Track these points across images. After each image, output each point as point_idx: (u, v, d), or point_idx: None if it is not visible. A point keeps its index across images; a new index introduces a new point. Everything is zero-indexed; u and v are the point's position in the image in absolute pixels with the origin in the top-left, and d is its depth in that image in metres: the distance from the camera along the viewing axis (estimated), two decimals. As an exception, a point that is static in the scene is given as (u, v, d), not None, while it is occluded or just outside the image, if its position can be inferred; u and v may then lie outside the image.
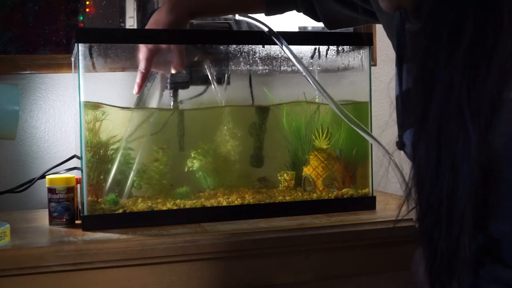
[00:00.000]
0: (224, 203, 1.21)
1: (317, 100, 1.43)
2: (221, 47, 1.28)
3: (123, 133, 1.21)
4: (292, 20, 1.57)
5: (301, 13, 1.23)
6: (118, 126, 1.21)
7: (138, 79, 1.20)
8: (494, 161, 0.59)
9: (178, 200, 1.20)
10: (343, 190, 1.30)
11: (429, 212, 0.61)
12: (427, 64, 0.60)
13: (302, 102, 1.36)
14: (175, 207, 1.18)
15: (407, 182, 0.63)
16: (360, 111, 1.31)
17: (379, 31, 1.62)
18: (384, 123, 0.64)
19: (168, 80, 1.28)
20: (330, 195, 1.29)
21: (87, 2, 1.55)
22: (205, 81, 1.32)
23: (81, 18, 1.55)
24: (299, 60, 1.13)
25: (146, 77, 1.20)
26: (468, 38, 0.57)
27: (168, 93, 1.29)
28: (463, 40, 0.57)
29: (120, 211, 1.15)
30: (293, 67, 1.36)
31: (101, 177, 1.18)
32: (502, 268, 0.62)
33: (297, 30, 1.65)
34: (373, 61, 1.68)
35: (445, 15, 0.59)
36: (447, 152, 0.58)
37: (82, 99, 1.13)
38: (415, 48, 0.62)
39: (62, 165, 1.30)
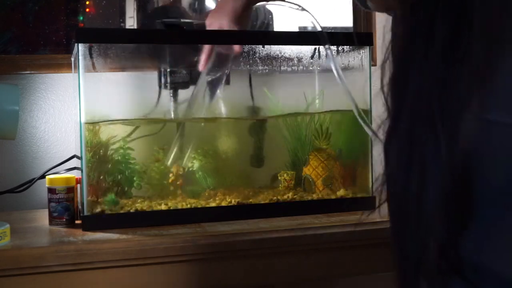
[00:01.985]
0: (224, 203, 1.22)
1: (317, 101, 1.43)
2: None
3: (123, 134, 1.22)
4: (292, 20, 1.57)
5: None
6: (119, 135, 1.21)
7: (203, 55, 1.21)
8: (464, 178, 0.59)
9: (180, 198, 1.21)
10: (342, 192, 1.30)
11: (399, 212, 0.61)
12: (402, 65, 0.60)
13: (300, 113, 1.36)
14: (183, 207, 1.18)
15: (380, 180, 0.64)
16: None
17: (379, 31, 1.62)
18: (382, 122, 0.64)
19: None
20: (330, 195, 1.29)
21: (87, 2, 1.55)
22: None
23: (81, 18, 1.55)
24: (337, 66, 1.14)
25: (210, 54, 1.22)
26: (440, 42, 0.57)
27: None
28: (435, 43, 0.57)
29: (120, 211, 1.15)
30: (293, 67, 1.37)
31: (101, 177, 1.18)
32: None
33: (297, 30, 1.65)
34: (373, 61, 1.67)
35: (418, 18, 0.59)
36: (417, 153, 0.58)
37: (83, 109, 1.13)
38: (393, 49, 0.62)
39: (62, 165, 1.31)
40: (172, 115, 1.31)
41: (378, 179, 0.64)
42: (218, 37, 1.25)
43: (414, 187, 0.59)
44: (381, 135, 0.64)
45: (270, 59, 1.32)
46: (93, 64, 1.19)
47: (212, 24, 1.22)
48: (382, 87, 0.63)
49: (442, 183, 0.57)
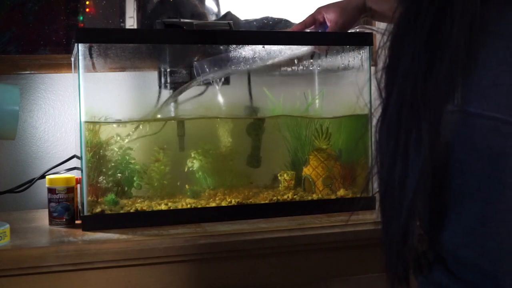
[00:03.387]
0: (224, 203, 1.22)
1: (317, 101, 1.43)
2: (221, 47, 1.28)
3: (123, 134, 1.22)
4: (292, 20, 1.57)
5: None
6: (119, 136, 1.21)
7: (295, 26, 1.28)
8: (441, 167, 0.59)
9: (180, 197, 1.21)
10: (342, 192, 1.30)
11: (385, 196, 0.62)
12: (394, 51, 0.61)
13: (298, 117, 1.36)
14: (186, 206, 1.18)
15: (371, 162, 0.66)
16: (359, 122, 1.32)
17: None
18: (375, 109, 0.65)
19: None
20: (330, 195, 1.29)
21: (87, 2, 1.55)
22: (205, 81, 1.32)
23: (81, 18, 1.55)
24: None
25: (301, 29, 1.29)
26: (426, 29, 0.58)
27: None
28: (422, 30, 0.58)
29: (120, 211, 1.15)
30: (293, 67, 1.37)
31: (101, 177, 1.18)
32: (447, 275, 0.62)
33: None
34: (373, 61, 1.67)
35: (409, 3, 0.60)
36: (402, 138, 0.59)
37: (83, 109, 1.14)
38: (388, 35, 0.63)
39: (62, 165, 1.31)
40: (172, 115, 1.31)
41: (373, 167, 0.65)
42: (218, 37, 1.25)
43: (398, 173, 0.60)
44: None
45: (270, 59, 1.32)
46: (93, 64, 1.19)
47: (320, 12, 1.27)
48: (376, 73, 0.64)
49: (421, 169, 0.58)
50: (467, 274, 0.60)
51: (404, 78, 0.59)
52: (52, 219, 1.17)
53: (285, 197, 1.27)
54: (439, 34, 0.58)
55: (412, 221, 0.60)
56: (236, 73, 1.33)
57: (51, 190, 1.17)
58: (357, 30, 1.32)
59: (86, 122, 1.14)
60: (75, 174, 1.23)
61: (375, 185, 1.34)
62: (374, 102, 1.21)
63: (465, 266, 0.60)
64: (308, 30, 1.31)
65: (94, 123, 1.17)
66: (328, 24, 1.27)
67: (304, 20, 1.30)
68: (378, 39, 1.22)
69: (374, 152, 0.65)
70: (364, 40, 1.30)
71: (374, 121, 0.64)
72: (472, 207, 0.58)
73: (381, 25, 1.49)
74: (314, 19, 1.29)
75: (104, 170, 1.19)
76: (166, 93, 1.31)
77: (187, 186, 1.25)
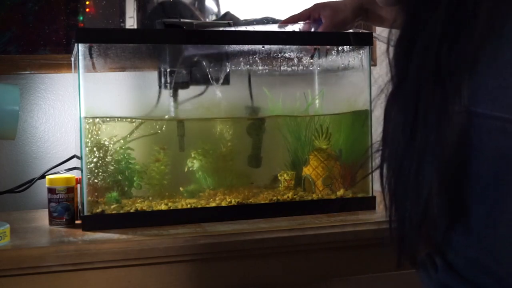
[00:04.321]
0: (224, 203, 1.22)
1: (317, 101, 1.43)
2: (221, 47, 1.28)
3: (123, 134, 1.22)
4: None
5: None
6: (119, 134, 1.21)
7: (290, 17, 1.28)
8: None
9: (179, 197, 1.21)
10: (342, 192, 1.30)
11: (401, 173, 0.60)
12: (410, 24, 0.60)
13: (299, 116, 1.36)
14: (186, 206, 1.18)
15: (379, 144, 0.64)
16: (359, 118, 1.32)
17: (379, 30, 1.62)
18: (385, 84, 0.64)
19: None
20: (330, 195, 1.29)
21: (87, 2, 1.55)
22: (205, 81, 1.32)
23: (81, 18, 1.55)
24: None
25: (295, 21, 1.29)
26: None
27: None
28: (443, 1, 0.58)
29: (120, 211, 1.15)
30: (293, 67, 1.37)
31: (101, 177, 1.18)
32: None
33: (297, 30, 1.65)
34: (373, 61, 1.68)
35: None
36: (424, 111, 0.58)
37: (83, 109, 1.13)
38: (402, 10, 0.62)
39: (62, 165, 1.31)
40: (173, 115, 1.31)
41: (376, 145, 0.64)
42: (218, 37, 1.25)
43: (418, 146, 0.58)
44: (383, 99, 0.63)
45: (270, 59, 1.32)
46: (93, 64, 1.19)
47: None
48: (387, 50, 0.62)
49: (445, 143, 0.57)
50: (475, 276, 0.59)
51: (424, 48, 0.58)
52: (52, 219, 1.17)
53: (285, 197, 1.27)
54: (464, 7, 0.57)
55: (431, 198, 0.58)
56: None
57: (51, 190, 1.17)
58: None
59: (85, 117, 1.14)
60: (75, 174, 1.23)
61: (375, 185, 1.34)
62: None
63: (473, 267, 0.59)
64: (302, 24, 1.31)
65: (93, 118, 1.17)
66: (323, 21, 1.27)
67: (299, 13, 1.30)
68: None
69: (382, 132, 0.63)
70: (364, 40, 1.30)
71: (374, 126, 0.63)
72: (480, 208, 0.58)
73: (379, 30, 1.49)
74: (310, 14, 1.29)
75: (104, 170, 1.18)
76: (166, 93, 1.31)
77: (181, 189, 1.25)
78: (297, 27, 1.31)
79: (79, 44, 1.13)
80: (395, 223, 0.62)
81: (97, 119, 1.18)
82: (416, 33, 0.59)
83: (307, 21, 1.30)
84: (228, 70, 1.33)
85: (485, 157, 0.56)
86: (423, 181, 0.58)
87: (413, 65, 0.59)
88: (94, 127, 1.18)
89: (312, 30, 1.29)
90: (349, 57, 1.33)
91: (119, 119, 1.23)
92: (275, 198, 1.26)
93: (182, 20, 1.33)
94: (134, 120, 1.24)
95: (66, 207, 1.17)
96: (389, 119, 0.62)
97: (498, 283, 0.58)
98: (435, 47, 0.57)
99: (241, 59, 1.30)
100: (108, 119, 1.20)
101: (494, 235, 0.57)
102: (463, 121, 0.56)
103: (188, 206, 1.20)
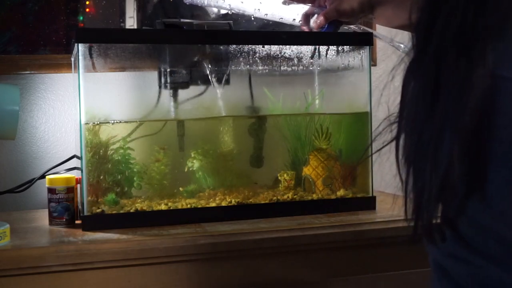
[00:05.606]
0: (224, 203, 1.22)
1: (317, 101, 1.43)
2: (221, 47, 1.28)
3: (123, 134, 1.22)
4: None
5: None
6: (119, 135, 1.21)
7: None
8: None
9: (180, 198, 1.21)
10: (342, 192, 1.30)
11: (421, 140, 0.59)
12: None
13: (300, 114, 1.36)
14: (186, 206, 1.18)
15: (396, 117, 0.62)
16: (360, 120, 1.32)
17: (379, 30, 1.62)
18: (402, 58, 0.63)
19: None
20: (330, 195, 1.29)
21: (87, 2, 1.55)
22: (205, 81, 1.32)
23: (81, 18, 1.55)
24: None
25: (303, 2, 1.25)
26: None
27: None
28: None
29: (120, 211, 1.15)
30: (293, 67, 1.37)
31: (101, 177, 1.18)
32: None
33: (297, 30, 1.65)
34: (373, 61, 1.67)
35: None
36: (446, 77, 0.57)
37: (83, 109, 1.13)
38: None
39: (62, 165, 1.31)
40: (173, 115, 1.31)
41: (390, 119, 0.62)
42: (218, 37, 1.25)
43: (439, 117, 0.57)
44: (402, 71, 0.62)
45: (270, 59, 1.32)
46: (93, 64, 1.19)
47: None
48: (409, 17, 0.61)
49: (471, 109, 0.55)
50: (485, 244, 0.59)
51: (450, 14, 0.57)
52: (52, 219, 1.17)
53: (285, 197, 1.27)
54: None
55: (452, 166, 0.56)
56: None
57: (51, 190, 1.17)
58: (353, 28, 1.32)
59: (86, 124, 1.14)
60: (75, 174, 1.23)
61: (375, 185, 1.34)
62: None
63: (485, 235, 0.59)
64: (307, 7, 1.27)
65: (94, 125, 1.17)
66: (327, 6, 1.24)
67: None
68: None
69: (400, 103, 0.61)
70: (364, 40, 1.30)
71: (374, 126, 0.62)
72: (500, 172, 0.57)
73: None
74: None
75: (104, 170, 1.18)
76: (166, 93, 1.31)
77: (181, 189, 1.25)
78: (301, 7, 1.27)
79: (79, 44, 1.13)
80: (411, 195, 0.62)
81: (97, 121, 1.18)
82: None
83: (310, 5, 1.27)
84: (228, 70, 1.33)
85: (509, 120, 0.56)
86: (443, 149, 0.57)
87: (437, 31, 0.58)
88: (94, 128, 1.18)
89: (315, 14, 1.26)
90: (349, 57, 1.33)
91: (119, 121, 1.22)
92: (275, 198, 1.26)
93: (182, 20, 1.32)
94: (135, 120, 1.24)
95: (66, 207, 1.17)
96: (407, 89, 0.61)
97: (509, 251, 0.57)
98: (460, 13, 0.56)
99: (241, 59, 1.30)
100: (111, 123, 1.20)
101: (509, 200, 0.57)
102: (487, 85, 0.56)
103: (188, 206, 1.20)
